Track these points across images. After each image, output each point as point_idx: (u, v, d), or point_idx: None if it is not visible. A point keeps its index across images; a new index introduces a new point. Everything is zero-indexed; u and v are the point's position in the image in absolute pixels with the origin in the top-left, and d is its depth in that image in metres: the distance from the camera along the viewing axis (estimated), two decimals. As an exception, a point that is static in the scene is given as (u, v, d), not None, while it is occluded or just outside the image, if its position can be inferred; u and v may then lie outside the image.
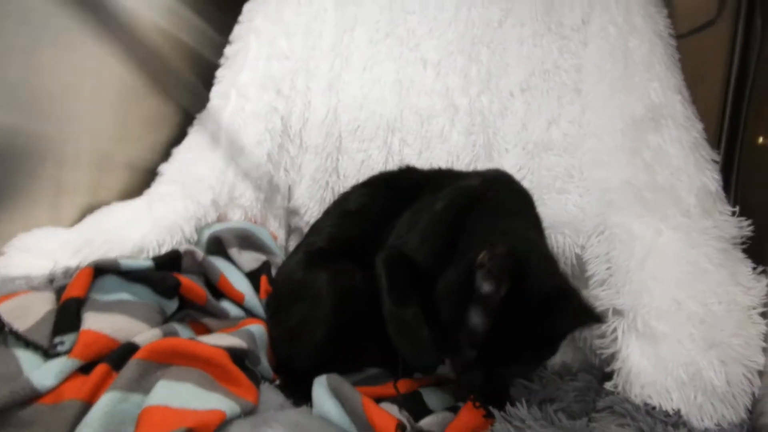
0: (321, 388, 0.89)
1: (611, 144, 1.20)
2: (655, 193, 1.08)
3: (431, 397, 0.98)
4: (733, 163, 1.30)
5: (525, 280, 0.78)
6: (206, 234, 1.31)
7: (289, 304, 1.09)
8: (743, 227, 1.08)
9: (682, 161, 1.16)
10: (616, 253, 1.04)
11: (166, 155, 1.45)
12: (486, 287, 0.79)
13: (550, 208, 1.21)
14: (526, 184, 1.26)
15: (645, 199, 1.08)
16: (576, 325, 0.85)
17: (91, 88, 1.24)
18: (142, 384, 0.77)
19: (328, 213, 1.28)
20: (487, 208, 0.97)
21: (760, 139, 1.23)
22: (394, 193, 1.17)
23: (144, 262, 1.04)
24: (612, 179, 1.15)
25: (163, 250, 1.18)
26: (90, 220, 1.21)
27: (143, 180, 1.40)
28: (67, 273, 1.03)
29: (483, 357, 0.81)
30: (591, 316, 0.82)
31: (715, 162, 1.19)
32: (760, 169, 1.23)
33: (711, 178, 1.15)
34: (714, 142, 1.30)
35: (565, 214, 1.19)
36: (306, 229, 1.44)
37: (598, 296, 1.03)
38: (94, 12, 1.21)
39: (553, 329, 0.81)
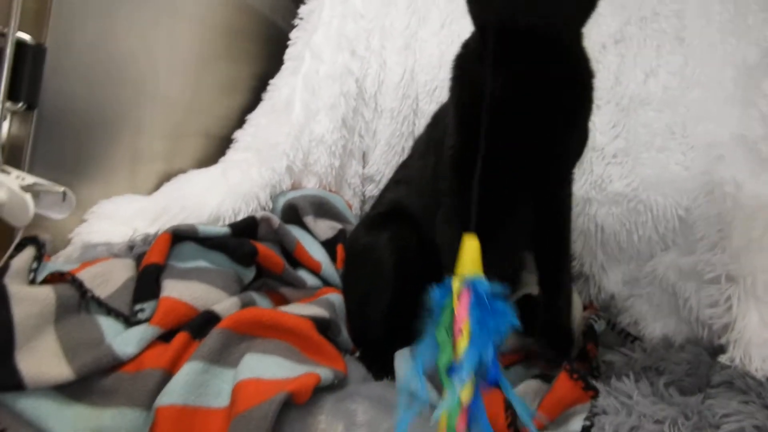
0: (405, 364, 0.84)
1: (720, 94, 1.08)
2: (775, 148, 0.97)
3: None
4: None
5: None
6: (281, 201, 1.28)
7: (355, 271, 1.07)
8: None
9: (804, 110, 1.03)
10: (728, 214, 0.92)
11: (240, 122, 1.43)
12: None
13: (648, 168, 1.11)
14: (620, 142, 1.17)
15: (761, 154, 0.96)
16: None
17: (165, 54, 1.23)
18: (224, 355, 0.74)
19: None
20: None
21: None
22: None
23: (221, 228, 1.03)
24: (721, 133, 1.03)
25: (239, 218, 1.17)
26: (167, 188, 1.21)
27: (218, 147, 1.39)
28: (146, 240, 1.04)
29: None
30: None
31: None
32: None
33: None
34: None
35: (666, 174, 1.09)
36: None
37: (710, 261, 0.92)
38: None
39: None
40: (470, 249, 0.64)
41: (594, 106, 1.18)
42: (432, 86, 1.39)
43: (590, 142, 1.18)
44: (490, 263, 0.81)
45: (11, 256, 0.83)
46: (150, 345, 0.77)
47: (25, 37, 0.91)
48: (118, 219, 1.08)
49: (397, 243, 0.98)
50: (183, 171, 1.28)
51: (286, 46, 1.49)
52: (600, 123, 1.20)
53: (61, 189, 0.93)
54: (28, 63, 0.92)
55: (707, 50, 1.14)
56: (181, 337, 0.77)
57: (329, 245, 1.23)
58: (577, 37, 0.84)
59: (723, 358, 0.82)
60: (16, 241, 0.88)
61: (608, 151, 1.18)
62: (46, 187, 0.92)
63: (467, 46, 0.89)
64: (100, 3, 1.05)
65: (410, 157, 1.17)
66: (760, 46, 1.07)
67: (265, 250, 1.02)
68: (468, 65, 0.87)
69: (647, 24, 1.23)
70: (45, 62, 0.95)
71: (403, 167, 1.17)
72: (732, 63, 1.08)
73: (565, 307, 0.95)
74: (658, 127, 1.15)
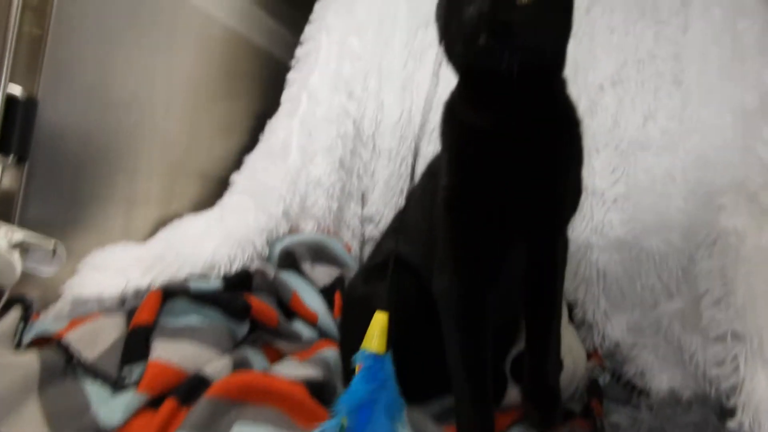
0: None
1: (719, 140, 1.05)
2: (775, 197, 0.94)
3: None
4: None
5: None
6: (278, 247, 1.27)
7: (352, 323, 1.03)
8: None
9: (806, 158, 1.01)
10: (732, 268, 0.90)
11: (238, 162, 1.42)
12: None
13: (649, 214, 1.09)
14: (620, 187, 1.15)
15: (762, 204, 0.94)
16: None
17: (163, 95, 1.22)
18: (212, 426, 0.72)
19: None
20: None
21: None
22: None
23: (213, 283, 1.01)
24: (721, 181, 1.01)
25: (235, 265, 1.15)
26: (162, 234, 1.19)
27: (215, 188, 1.38)
28: (138, 294, 1.02)
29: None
30: None
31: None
32: None
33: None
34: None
35: (667, 221, 1.07)
36: (381, 239, 1.39)
37: (714, 317, 0.90)
38: (166, 16, 1.19)
39: None
40: (377, 324, 0.74)
41: (594, 150, 1.18)
42: (430, 127, 1.37)
43: (590, 187, 1.17)
44: (489, 311, 0.81)
45: (-2, 317, 0.82)
46: (138, 412, 0.75)
47: (17, 89, 0.91)
48: (111, 269, 1.06)
49: (396, 294, 0.96)
50: (179, 214, 1.26)
51: (285, 82, 1.49)
52: (600, 167, 1.18)
53: (52, 244, 0.92)
54: (20, 116, 0.92)
55: (705, 94, 1.12)
56: (168, 405, 0.75)
57: (327, 292, 1.22)
58: (559, 83, 0.83)
59: (731, 424, 0.79)
60: (2, 301, 0.86)
61: (608, 196, 1.16)
62: (36, 242, 0.91)
63: (455, 92, 0.88)
64: (95, 49, 1.04)
65: (407, 206, 1.15)
66: (759, 91, 1.04)
67: (259, 303, 1.00)
68: (456, 109, 0.86)
69: (644, 66, 1.22)
70: (36, 114, 0.94)
71: (401, 215, 1.16)
72: (730, 108, 1.06)
73: (553, 370, 0.90)
74: (658, 172, 1.13)
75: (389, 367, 0.71)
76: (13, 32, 0.90)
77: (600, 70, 1.25)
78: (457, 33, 0.76)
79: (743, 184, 0.97)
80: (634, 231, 1.11)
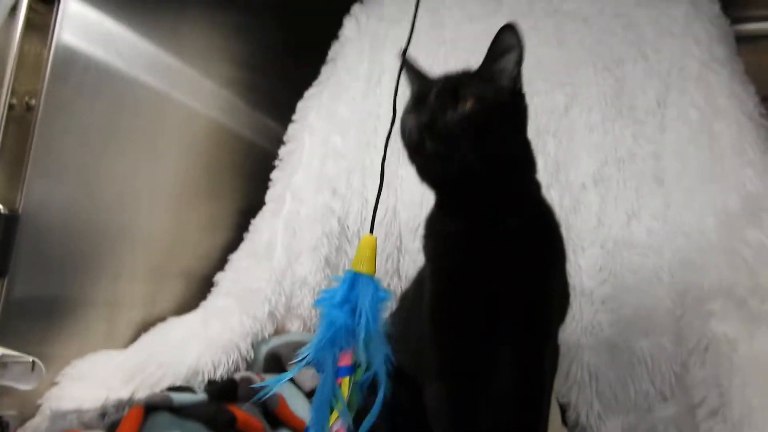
0: None
1: (704, 243, 1.06)
2: (764, 303, 0.94)
3: None
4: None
5: None
6: (263, 349, 1.24)
7: None
8: None
9: (791, 261, 1.02)
10: (726, 377, 0.88)
11: (222, 261, 1.41)
12: None
13: (639, 317, 1.09)
14: (608, 288, 1.15)
15: (751, 310, 0.93)
16: None
17: (147, 197, 1.22)
18: None
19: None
20: None
21: None
22: None
23: (197, 396, 0.98)
24: (709, 284, 1.01)
25: (219, 371, 1.14)
26: (144, 340, 1.17)
27: (199, 288, 1.36)
28: (119, 406, 0.98)
29: None
30: None
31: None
32: None
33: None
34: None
35: (657, 324, 1.06)
36: (367, 335, 1.37)
37: (712, 430, 0.88)
38: (149, 116, 1.21)
39: None
40: (366, 246, 0.72)
41: (579, 249, 1.18)
42: (414, 224, 1.38)
43: (578, 286, 1.17)
44: (480, 419, 0.78)
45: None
46: None
47: (-2, 206, 0.91)
48: (91, 380, 1.03)
49: (389, 403, 0.94)
50: (162, 317, 1.24)
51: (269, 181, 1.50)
52: (586, 265, 1.18)
53: (30, 359, 0.90)
54: (0, 231, 0.91)
55: (687, 194, 1.14)
56: None
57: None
58: (530, 186, 0.83)
59: None
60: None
61: (597, 297, 1.16)
62: (14, 358, 0.89)
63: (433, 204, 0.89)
64: (77, 159, 1.05)
65: (398, 310, 1.14)
66: (739, 193, 1.06)
67: (245, 416, 0.97)
68: (434, 219, 0.86)
69: (625, 165, 1.24)
70: (17, 230, 0.93)
71: (391, 320, 1.14)
72: (712, 210, 1.08)
73: None
74: (645, 273, 1.13)
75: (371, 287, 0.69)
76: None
77: (581, 169, 1.27)
78: (408, 143, 0.78)
79: (731, 289, 0.97)
80: (624, 333, 1.10)
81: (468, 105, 0.74)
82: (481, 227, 0.78)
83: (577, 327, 1.14)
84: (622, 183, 1.23)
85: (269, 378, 1.14)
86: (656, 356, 1.04)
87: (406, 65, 0.89)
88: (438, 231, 0.84)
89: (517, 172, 0.81)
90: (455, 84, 0.78)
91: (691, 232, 1.09)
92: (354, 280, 0.69)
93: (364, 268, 0.70)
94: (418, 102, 0.79)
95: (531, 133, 1.30)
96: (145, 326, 1.21)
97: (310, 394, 1.18)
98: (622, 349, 1.09)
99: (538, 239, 0.81)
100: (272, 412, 1.06)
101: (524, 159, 0.82)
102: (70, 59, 1.01)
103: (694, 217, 1.10)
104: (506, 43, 0.78)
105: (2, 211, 0.92)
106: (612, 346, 1.10)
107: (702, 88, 1.22)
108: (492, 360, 0.84)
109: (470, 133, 0.73)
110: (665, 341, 1.05)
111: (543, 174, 1.26)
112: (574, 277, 1.15)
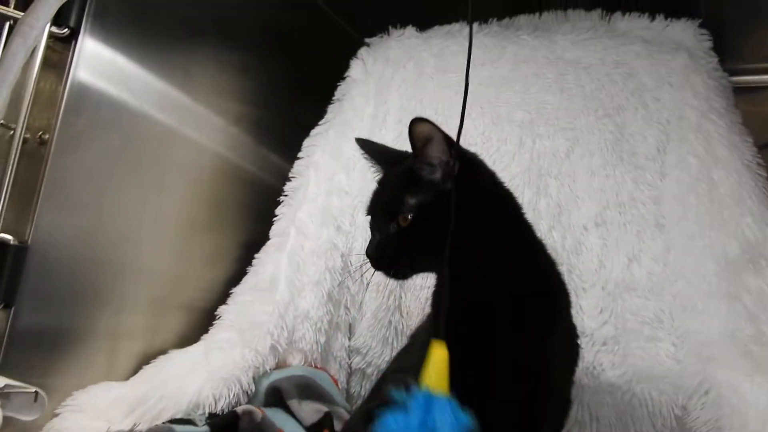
0: None
1: (705, 289, 1.08)
2: (764, 348, 0.96)
3: None
4: None
5: None
6: (264, 383, 1.24)
7: None
8: None
9: (791, 308, 1.04)
10: (727, 422, 0.90)
11: (224, 294, 1.41)
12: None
13: (639, 359, 1.10)
14: (609, 329, 1.16)
15: (753, 355, 0.95)
16: None
17: (152, 230, 1.23)
18: None
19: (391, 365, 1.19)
20: None
21: None
22: None
23: (199, 429, 0.98)
24: (710, 330, 1.03)
25: (220, 405, 1.13)
26: (146, 372, 1.17)
27: (201, 321, 1.35)
28: (121, 437, 0.98)
29: None
30: None
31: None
32: None
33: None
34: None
35: (658, 367, 1.08)
36: (368, 370, 1.39)
37: (714, 476, 0.88)
38: (157, 150, 1.23)
39: None
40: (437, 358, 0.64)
41: (581, 290, 1.20)
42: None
43: (579, 326, 1.17)
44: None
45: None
46: None
47: (7, 237, 0.92)
48: (92, 412, 1.02)
49: None
50: (163, 350, 1.24)
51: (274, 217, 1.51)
52: (587, 306, 1.20)
53: (33, 390, 0.90)
54: (9, 262, 0.92)
55: (687, 240, 1.16)
56: None
57: (314, 430, 1.18)
58: (503, 253, 0.84)
59: None
60: (-21, 455, 0.83)
61: (597, 338, 1.17)
62: (17, 389, 0.89)
63: None
64: (86, 193, 1.06)
65: (411, 344, 1.15)
66: (739, 241, 1.09)
67: (247, 450, 0.97)
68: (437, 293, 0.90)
69: (626, 209, 1.27)
70: (26, 261, 0.94)
71: (404, 354, 1.15)
72: (713, 256, 1.10)
73: None
74: (646, 315, 1.15)
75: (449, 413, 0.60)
76: (9, 180, 0.92)
77: (583, 211, 1.30)
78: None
79: (733, 335, 0.98)
80: (625, 375, 1.10)
81: (405, 222, 0.80)
82: (470, 298, 0.81)
83: (579, 367, 1.15)
84: (623, 226, 1.26)
85: (270, 412, 1.14)
86: (657, 398, 1.05)
87: (367, 149, 0.96)
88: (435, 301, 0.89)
89: (489, 244, 0.82)
90: (392, 197, 0.85)
91: (691, 276, 1.11)
92: (428, 403, 0.60)
93: (437, 386, 0.61)
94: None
95: (533, 176, 1.35)
96: (147, 358, 1.20)
97: (310, 429, 1.18)
98: (624, 390, 1.09)
99: (530, 302, 0.82)
100: (273, 447, 1.06)
101: (494, 228, 0.83)
102: (83, 95, 1.04)
103: (694, 261, 1.13)
104: (422, 134, 0.80)
105: (12, 242, 0.93)
106: (613, 386, 1.11)
107: (701, 137, 1.25)
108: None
109: (409, 245, 0.80)
110: (666, 383, 1.06)
111: (546, 215, 1.31)
112: (575, 317, 1.15)
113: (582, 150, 1.36)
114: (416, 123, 0.79)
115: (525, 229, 0.87)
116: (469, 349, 0.77)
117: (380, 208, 0.87)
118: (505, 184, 0.91)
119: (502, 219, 0.85)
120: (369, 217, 0.91)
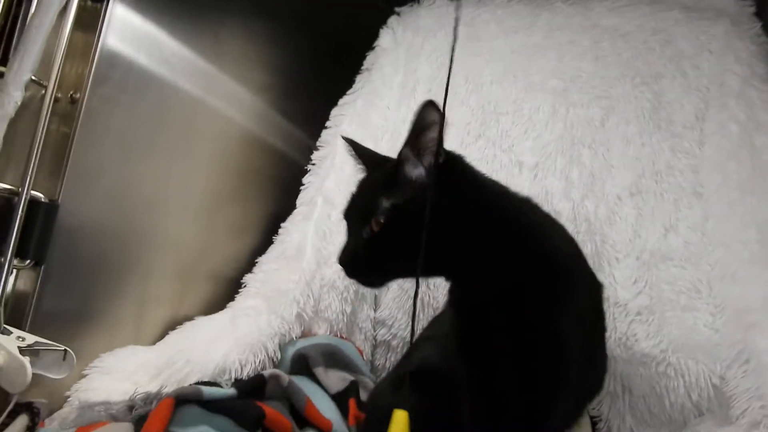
0: None
1: (746, 256, 1.05)
2: (808, 314, 0.93)
3: None
4: None
5: None
6: (291, 352, 1.23)
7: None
8: None
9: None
10: (768, 387, 0.87)
11: (250, 264, 1.41)
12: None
13: (675, 328, 1.07)
14: (643, 299, 1.13)
15: (796, 320, 0.92)
16: None
17: (179, 197, 1.23)
18: None
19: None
20: None
21: None
22: None
23: (227, 390, 0.97)
24: (751, 297, 0.99)
25: (246, 370, 1.13)
26: (172, 337, 1.17)
27: (226, 290, 1.35)
28: (147, 399, 0.97)
29: None
30: None
31: None
32: None
33: None
34: None
35: (695, 336, 1.04)
36: (393, 342, 1.37)
37: (755, 442, 0.85)
38: (186, 119, 1.22)
39: None
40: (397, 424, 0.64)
41: (614, 260, 1.17)
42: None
43: (612, 297, 1.16)
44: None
45: (5, 424, 0.79)
46: None
47: (38, 194, 0.91)
48: (119, 374, 1.03)
49: (424, 410, 0.92)
50: (189, 317, 1.24)
51: (300, 182, 1.51)
52: (621, 277, 1.17)
53: (62, 348, 0.90)
54: (39, 220, 0.92)
55: (727, 207, 1.13)
56: None
57: (340, 398, 1.17)
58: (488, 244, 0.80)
59: None
60: (9, 407, 0.83)
61: (631, 308, 1.14)
62: (46, 346, 0.89)
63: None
64: (115, 157, 1.06)
65: (443, 313, 1.13)
66: (782, 207, 1.05)
67: (273, 413, 0.96)
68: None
69: (663, 177, 1.24)
70: (56, 219, 0.94)
71: (435, 323, 1.13)
72: (754, 221, 1.07)
73: None
74: (683, 285, 1.11)
75: None
76: (40, 138, 0.92)
77: (617, 181, 1.27)
78: None
79: (774, 300, 0.95)
80: (660, 346, 1.07)
81: (378, 227, 0.77)
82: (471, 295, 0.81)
83: (611, 338, 1.12)
84: (660, 195, 1.22)
85: (296, 379, 1.14)
86: (693, 368, 1.02)
87: (353, 147, 0.94)
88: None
89: (476, 244, 0.78)
90: (368, 200, 0.81)
91: (731, 243, 1.08)
92: None
93: None
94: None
95: (566, 144, 1.32)
96: (173, 325, 1.21)
97: (336, 397, 1.17)
98: (659, 360, 1.06)
99: (531, 291, 0.79)
100: (300, 411, 1.05)
101: (483, 221, 0.79)
102: (113, 61, 1.03)
103: (734, 228, 1.09)
104: (429, 119, 0.76)
105: (43, 199, 0.93)
106: (647, 357, 1.08)
107: (743, 103, 1.22)
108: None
109: (382, 252, 0.78)
110: (704, 353, 1.02)
111: (578, 184, 1.28)
112: (608, 288, 1.13)
113: (617, 118, 1.33)
114: (430, 106, 0.74)
115: (519, 224, 0.82)
116: (477, 349, 0.79)
117: (355, 212, 0.84)
118: (500, 183, 0.88)
119: (489, 217, 0.79)
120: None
